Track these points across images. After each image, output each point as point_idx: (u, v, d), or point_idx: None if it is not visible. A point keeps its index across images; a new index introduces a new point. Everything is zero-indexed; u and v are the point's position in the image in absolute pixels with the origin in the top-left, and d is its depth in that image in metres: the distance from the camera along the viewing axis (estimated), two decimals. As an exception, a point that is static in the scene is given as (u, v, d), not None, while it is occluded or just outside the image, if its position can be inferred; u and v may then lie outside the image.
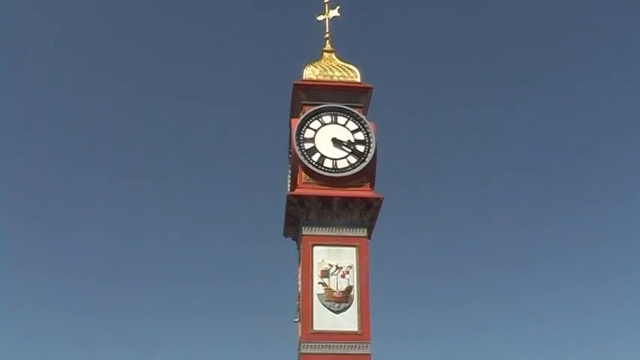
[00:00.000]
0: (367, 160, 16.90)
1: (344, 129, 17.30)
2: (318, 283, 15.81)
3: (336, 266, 15.97)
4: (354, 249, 16.23)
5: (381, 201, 16.66)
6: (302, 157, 16.79)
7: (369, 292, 15.89)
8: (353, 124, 17.37)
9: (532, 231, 43.44)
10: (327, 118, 17.39)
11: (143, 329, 40.90)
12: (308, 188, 16.67)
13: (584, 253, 43.20)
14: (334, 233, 16.32)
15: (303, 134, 17.08)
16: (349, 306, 15.68)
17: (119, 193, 43.68)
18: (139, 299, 42.37)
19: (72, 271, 40.73)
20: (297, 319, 16.30)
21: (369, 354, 15.35)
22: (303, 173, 16.87)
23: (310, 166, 16.75)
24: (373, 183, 17.03)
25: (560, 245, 43.56)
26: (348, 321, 15.53)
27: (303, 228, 16.41)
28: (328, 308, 15.61)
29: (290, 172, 17.78)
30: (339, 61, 18.53)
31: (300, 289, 16.21)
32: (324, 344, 15.28)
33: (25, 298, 39.71)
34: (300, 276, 16.36)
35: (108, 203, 42.90)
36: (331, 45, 18.92)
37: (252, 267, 41.49)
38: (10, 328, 37.52)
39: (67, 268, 40.86)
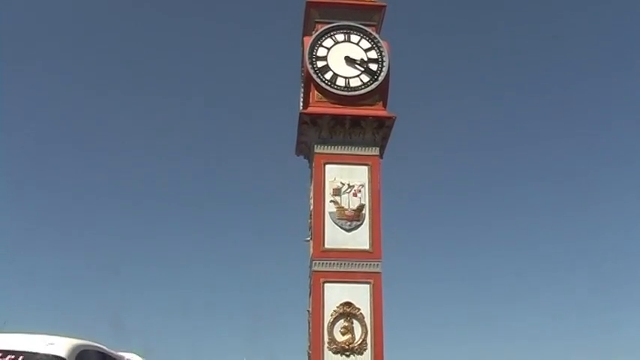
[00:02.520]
0: (380, 78, 16.28)
1: (357, 47, 16.64)
2: (330, 202, 15.39)
3: (348, 185, 15.52)
4: (366, 168, 15.75)
5: (394, 120, 16.10)
6: (314, 76, 16.19)
7: (380, 211, 15.46)
8: (366, 42, 16.70)
9: (543, 149, 42.93)
10: (340, 37, 16.71)
11: (156, 247, 40.99)
12: (320, 106, 16.11)
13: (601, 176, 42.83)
14: (346, 152, 15.82)
15: (315, 52, 16.44)
16: (361, 224, 15.27)
17: (131, 113, 43.34)
18: (153, 218, 42.39)
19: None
20: (308, 238, 15.93)
21: (380, 272, 15.01)
22: (316, 92, 16.29)
23: (323, 84, 16.16)
24: (386, 102, 16.43)
25: (574, 165, 43.10)
26: (359, 239, 15.15)
27: (315, 146, 15.89)
28: (340, 226, 15.21)
29: (302, 90, 17.16)
30: (353, -21, 17.70)
31: (311, 207, 15.79)
32: (336, 262, 14.93)
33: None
34: (311, 194, 15.92)
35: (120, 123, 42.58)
36: (344, -38, 18.04)
37: (264, 185, 41.29)
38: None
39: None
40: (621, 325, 38.87)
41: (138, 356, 10.61)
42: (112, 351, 9.69)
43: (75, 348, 8.40)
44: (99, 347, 9.26)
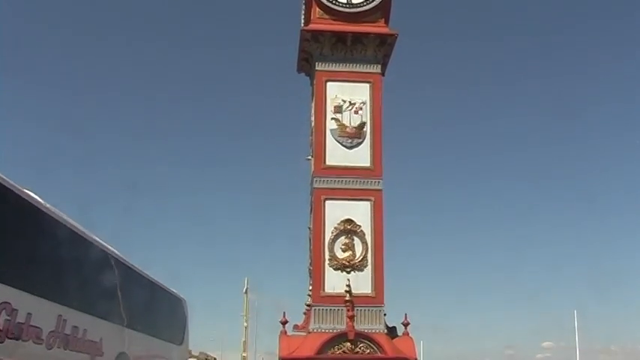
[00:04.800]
0: (382, -5, 15.59)
1: (358, -38, 15.88)
2: (331, 119, 14.97)
3: (350, 102, 15.06)
4: (367, 85, 15.25)
5: (396, 37, 15.52)
6: (316, -8, 15.50)
7: (381, 128, 15.04)
8: (368, -43, 15.92)
9: (544, 68, 42.52)
10: (341, -49, 15.91)
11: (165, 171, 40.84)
12: (322, 23, 15.52)
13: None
14: (348, 69, 15.30)
15: (316, -32, 15.69)
16: (362, 142, 14.88)
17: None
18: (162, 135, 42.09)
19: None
20: (309, 157, 15.55)
21: (381, 189, 14.68)
22: (317, 8, 15.66)
23: (324, 0, 15.48)
24: (388, 19, 15.82)
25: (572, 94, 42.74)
26: (360, 156, 14.79)
27: (316, 64, 15.38)
28: (341, 144, 14.82)
29: (304, 6, 16.49)
30: None
31: (312, 124, 15.36)
32: (337, 179, 14.58)
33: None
34: (313, 112, 15.46)
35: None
36: None
37: (265, 103, 41.02)
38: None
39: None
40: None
41: (35, 194, 9.70)
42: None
43: None
44: None
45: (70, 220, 10.79)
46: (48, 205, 10.04)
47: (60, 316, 9.72)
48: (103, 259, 12.15)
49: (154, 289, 15.31)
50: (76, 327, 10.27)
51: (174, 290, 17.29)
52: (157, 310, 15.77)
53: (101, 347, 11.48)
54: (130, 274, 13.72)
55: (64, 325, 9.87)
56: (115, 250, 12.84)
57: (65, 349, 9.92)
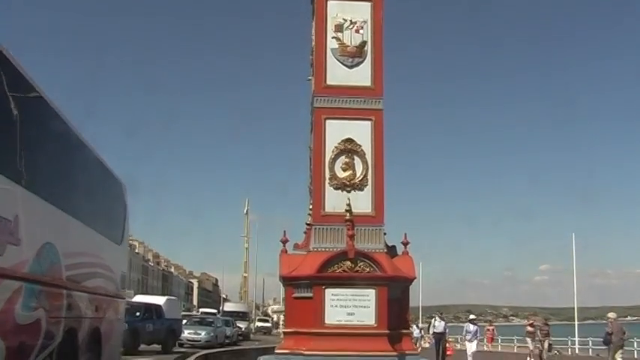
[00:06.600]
0: None
1: None
2: (332, 38, 14.62)
3: (350, 21, 14.67)
4: (368, 4, 14.86)
5: (398, -46, 14.97)
6: None
7: (382, 48, 14.67)
8: None
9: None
10: None
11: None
12: (322, -62, 14.94)
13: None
14: (348, -14, 14.83)
15: None
16: (363, 61, 14.55)
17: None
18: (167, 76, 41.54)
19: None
20: (310, 77, 15.22)
21: (382, 109, 14.43)
22: None
23: None
24: None
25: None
26: (361, 76, 14.48)
27: (316, -19, 14.89)
28: (342, 63, 14.50)
29: None
30: None
31: (313, 43, 14.99)
32: (337, 98, 14.32)
33: None
34: (313, 31, 15.07)
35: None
36: None
37: (263, 23, 40.29)
38: None
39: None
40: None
41: None
42: None
43: None
44: None
45: None
46: None
47: None
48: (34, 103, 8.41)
49: (87, 156, 11.48)
50: None
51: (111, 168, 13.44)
52: (93, 190, 11.97)
53: (16, 231, 7.54)
54: (65, 135, 10.14)
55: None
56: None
57: None
